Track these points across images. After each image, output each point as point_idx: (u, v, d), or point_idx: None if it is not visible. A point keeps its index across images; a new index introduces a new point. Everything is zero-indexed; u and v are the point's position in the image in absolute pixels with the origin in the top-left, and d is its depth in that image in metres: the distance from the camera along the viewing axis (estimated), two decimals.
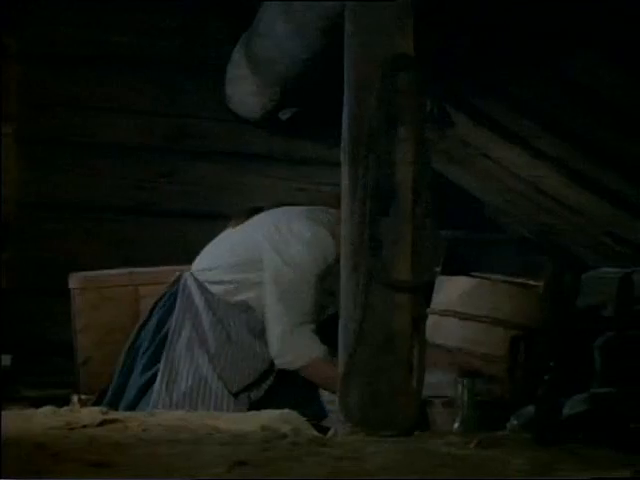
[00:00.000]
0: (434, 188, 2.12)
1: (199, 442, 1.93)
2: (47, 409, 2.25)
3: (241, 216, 2.96)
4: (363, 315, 2.10)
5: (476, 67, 3.01)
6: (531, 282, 2.94)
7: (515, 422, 2.15)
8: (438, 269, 3.01)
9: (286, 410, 2.30)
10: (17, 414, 2.21)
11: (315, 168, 3.92)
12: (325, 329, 2.72)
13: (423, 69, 2.17)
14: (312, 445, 1.91)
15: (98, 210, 3.80)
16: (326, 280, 2.74)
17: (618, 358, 2.23)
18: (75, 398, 3.00)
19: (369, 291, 2.10)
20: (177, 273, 2.94)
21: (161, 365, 2.77)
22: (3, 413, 2.04)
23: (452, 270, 3.02)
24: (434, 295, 2.99)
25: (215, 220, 3.79)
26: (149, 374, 2.80)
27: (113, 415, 2.18)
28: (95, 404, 2.83)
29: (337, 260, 2.35)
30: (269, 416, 2.23)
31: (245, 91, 3.68)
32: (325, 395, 2.76)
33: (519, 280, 2.96)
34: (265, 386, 2.78)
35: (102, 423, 2.08)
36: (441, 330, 2.99)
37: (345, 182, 2.18)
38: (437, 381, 2.42)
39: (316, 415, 2.58)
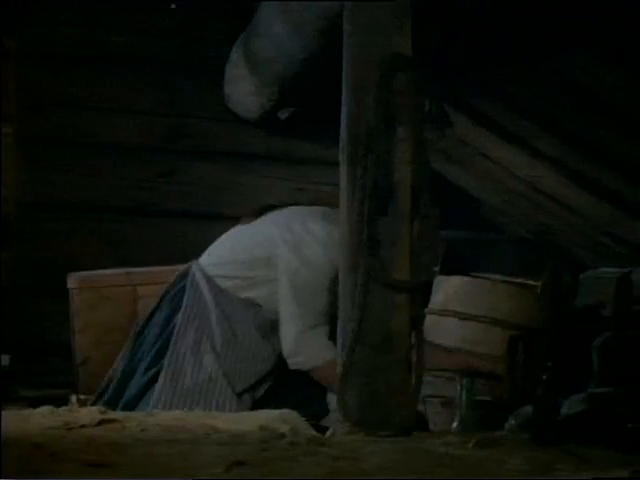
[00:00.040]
0: (433, 188, 2.12)
1: (197, 442, 1.93)
2: (45, 409, 2.25)
3: (253, 213, 2.95)
4: (361, 315, 2.10)
5: (475, 67, 3.01)
6: (530, 282, 2.94)
7: (513, 422, 2.15)
8: (437, 269, 3.01)
9: (284, 410, 2.30)
10: (15, 414, 2.21)
11: (313, 168, 3.92)
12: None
13: (421, 69, 2.17)
14: (310, 445, 1.91)
15: (97, 210, 3.80)
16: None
17: (616, 358, 2.23)
18: (73, 398, 3.00)
19: (367, 291, 2.10)
20: (185, 265, 2.92)
21: (166, 361, 2.76)
22: (2, 413, 2.04)
23: (451, 270, 3.02)
24: (433, 295, 2.99)
25: (214, 220, 3.79)
26: (151, 373, 2.79)
27: (111, 415, 2.18)
28: (95, 402, 2.83)
29: None
30: (267, 416, 2.23)
31: (243, 91, 3.68)
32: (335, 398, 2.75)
33: (518, 280, 2.96)
34: (265, 386, 2.78)
35: (100, 423, 2.08)
36: (440, 330, 2.99)
37: (343, 182, 2.18)
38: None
39: (314, 415, 2.58)
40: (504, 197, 3.71)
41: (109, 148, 3.81)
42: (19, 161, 3.71)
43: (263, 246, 2.81)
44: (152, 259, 3.48)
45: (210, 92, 3.84)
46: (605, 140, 3.14)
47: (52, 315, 3.52)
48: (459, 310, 2.96)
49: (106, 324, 3.21)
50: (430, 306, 2.98)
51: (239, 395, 2.73)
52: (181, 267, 2.99)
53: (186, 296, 2.81)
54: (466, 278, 2.98)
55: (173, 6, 3.73)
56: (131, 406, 2.76)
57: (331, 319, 2.74)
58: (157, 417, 2.22)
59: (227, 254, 2.88)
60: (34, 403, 2.60)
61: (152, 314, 2.90)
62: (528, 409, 2.11)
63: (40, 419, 2.13)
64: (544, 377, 2.02)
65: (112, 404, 2.77)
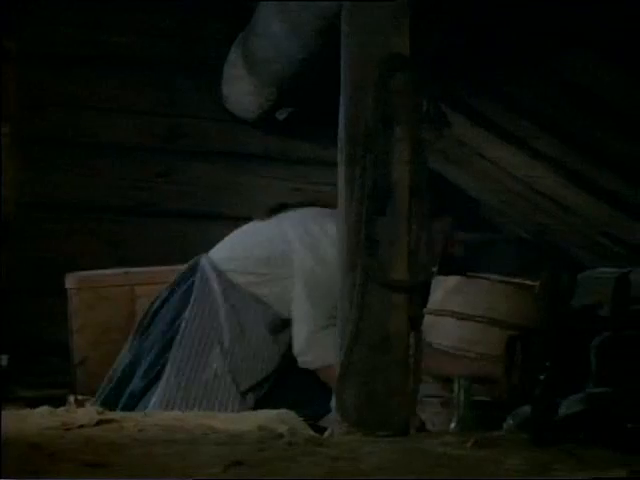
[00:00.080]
0: (431, 188, 2.12)
1: (195, 442, 1.93)
2: (43, 409, 2.25)
3: (267, 211, 2.95)
4: (359, 315, 2.10)
5: (473, 67, 3.02)
6: (527, 282, 2.94)
7: (511, 422, 2.15)
8: (435, 269, 3.01)
9: (282, 410, 2.30)
10: (13, 414, 2.21)
11: (312, 168, 3.93)
12: None
13: (419, 69, 2.17)
14: (308, 445, 1.91)
15: (95, 210, 3.80)
16: None
17: (614, 358, 2.23)
18: (71, 398, 3.00)
19: (365, 291, 2.10)
20: (192, 260, 2.91)
21: (171, 355, 2.74)
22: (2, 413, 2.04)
23: (449, 270, 3.02)
24: (431, 295, 2.99)
25: (212, 220, 3.80)
26: (155, 370, 2.78)
27: (109, 415, 2.18)
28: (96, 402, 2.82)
29: None
30: (265, 416, 2.23)
31: (242, 91, 3.68)
32: None
33: (515, 280, 2.96)
34: (267, 385, 2.78)
35: (98, 423, 2.08)
36: (438, 330, 2.99)
37: (342, 182, 2.18)
38: None
39: (313, 415, 2.58)
40: (502, 197, 3.71)
41: (108, 148, 3.81)
42: (18, 161, 3.71)
43: (278, 244, 2.80)
44: (151, 259, 3.48)
45: (209, 92, 3.85)
46: (604, 140, 3.14)
47: (50, 315, 3.52)
48: (457, 310, 2.96)
49: (104, 324, 3.21)
50: (428, 306, 2.98)
51: (243, 394, 2.72)
52: (180, 267, 2.98)
53: (195, 290, 2.80)
54: (464, 278, 2.98)
55: None
56: (132, 404, 2.75)
57: None
58: (155, 417, 2.22)
59: (240, 250, 2.87)
60: (32, 403, 2.59)
61: (157, 311, 2.88)
62: (526, 409, 2.11)
63: (38, 419, 2.13)
64: (542, 377, 2.02)
65: (112, 403, 2.76)
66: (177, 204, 3.86)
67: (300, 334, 2.72)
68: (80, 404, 2.88)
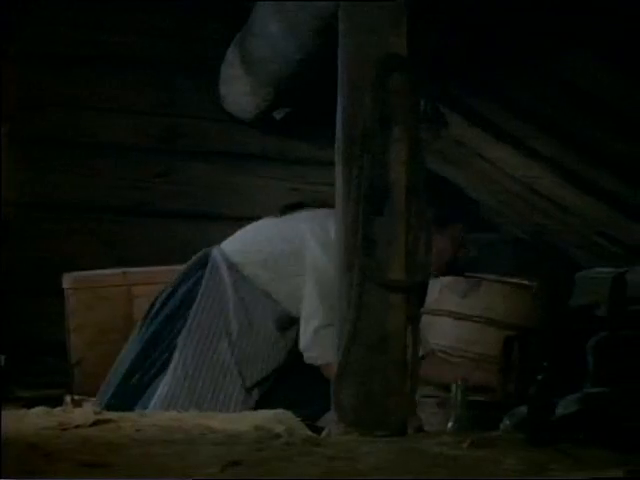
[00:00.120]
0: (429, 188, 2.13)
1: (193, 442, 1.93)
2: (40, 409, 2.24)
3: (282, 208, 2.94)
4: (357, 315, 2.10)
5: (470, 67, 3.02)
6: (525, 282, 2.95)
7: (508, 422, 2.15)
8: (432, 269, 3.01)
9: (280, 410, 2.29)
10: (10, 414, 2.20)
11: (309, 168, 3.93)
12: None
13: (417, 69, 2.17)
14: (306, 445, 1.91)
15: (94, 210, 3.80)
16: None
17: (611, 358, 2.23)
18: (68, 398, 3.00)
19: (363, 291, 2.10)
20: (204, 250, 2.91)
21: (179, 345, 2.74)
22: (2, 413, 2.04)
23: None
24: (428, 295, 2.99)
25: (210, 220, 3.80)
26: (160, 362, 2.77)
27: (106, 415, 2.18)
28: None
29: None
30: (263, 416, 2.23)
31: (239, 91, 3.68)
32: None
33: (513, 280, 2.97)
34: (270, 382, 2.78)
35: (95, 423, 2.07)
36: (435, 330, 2.99)
37: (339, 182, 2.18)
38: None
39: (311, 416, 2.58)
40: (500, 197, 3.72)
41: (107, 148, 3.81)
42: (17, 161, 3.70)
43: (292, 241, 2.79)
44: (150, 259, 3.48)
45: (207, 92, 3.85)
46: (601, 141, 3.15)
47: (48, 315, 3.52)
48: (454, 310, 2.97)
49: (101, 324, 3.21)
50: (425, 306, 2.98)
51: (249, 390, 2.72)
52: (178, 267, 2.98)
53: (205, 281, 2.79)
54: (461, 278, 2.99)
55: None
56: (140, 394, 2.74)
57: None
58: (152, 417, 2.22)
59: (252, 244, 2.86)
60: (29, 403, 2.59)
61: (165, 301, 2.86)
62: (523, 409, 2.11)
63: (35, 419, 2.13)
64: (539, 377, 2.02)
65: (123, 395, 2.74)
66: (175, 204, 3.86)
67: (307, 330, 2.72)
68: (77, 404, 2.88)
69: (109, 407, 2.66)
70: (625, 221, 3.37)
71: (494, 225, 3.97)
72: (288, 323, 2.77)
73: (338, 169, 2.18)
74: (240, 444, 1.92)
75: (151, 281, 3.16)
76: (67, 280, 3.28)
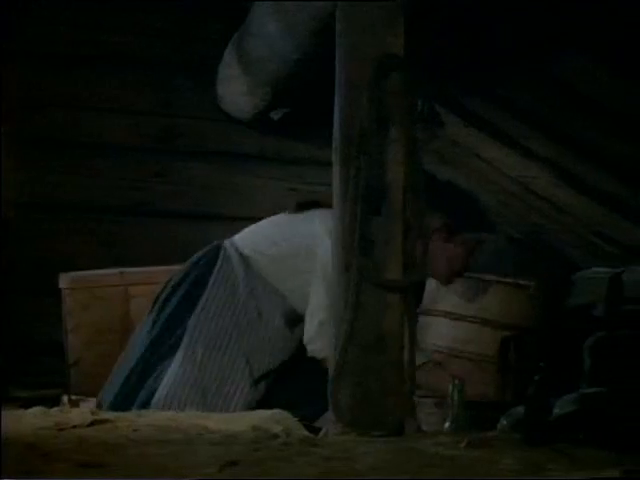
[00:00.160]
0: (427, 188, 2.12)
1: (190, 442, 1.93)
2: (37, 409, 2.25)
3: (297, 205, 2.94)
4: (354, 315, 2.10)
5: (467, 67, 3.02)
6: (521, 282, 2.95)
7: (505, 422, 2.16)
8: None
9: (277, 410, 2.30)
10: (8, 414, 2.20)
11: (306, 168, 3.93)
12: None
13: (413, 69, 2.17)
14: (303, 445, 1.91)
15: (93, 210, 3.80)
16: None
17: (608, 358, 2.24)
18: (65, 398, 3.00)
19: (360, 291, 2.10)
20: (214, 242, 2.92)
21: (187, 333, 2.73)
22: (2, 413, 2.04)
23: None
24: (425, 295, 2.99)
25: (208, 220, 3.80)
26: (167, 349, 2.76)
27: (103, 415, 2.18)
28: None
29: None
30: (260, 416, 2.23)
31: (236, 91, 3.68)
32: None
33: (509, 280, 2.97)
34: (272, 377, 2.78)
35: (92, 423, 2.07)
36: (431, 330, 2.99)
37: (336, 182, 2.18)
38: None
39: (310, 416, 2.58)
40: (496, 197, 3.71)
41: (105, 148, 3.81)
42: (17, 161, 3.70)
43: (305, 238, 2.79)
44: (148, 259, 3.48)
45: (206, 92, 3.85)
46: (598, 141, 3.15)
47: (45, 315, 3.51)
48: (450, 310, 2.97)
49: (98, 324, 3.20)
50: (422, 306, 2.99)
51: (255, 381, 2.73)
52: (176, 267, 2.98)
53: (215, 271, 2.79)
54: (458, 278, 2.99)
55: None
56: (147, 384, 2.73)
57: None
58: (149, 417, 2.22)
59: (265, 239, 2.86)
60: (27, 403, 2.59)
61: (173, 291, 2.85)
62: (520, 409, 2.11)
63: (32, 419, 2.13)
64: (536, 377, 2.02)
65: (132, 388, 2.73)
66: (174, 204, 3.86)
67: (312, 323, 2.72)
68: (74, 404, 2.88)
69: (114, 404, 2.67)
70: (621, 221, 3.37)
71: (491, 225, 3.96)
72: (295, 320, 2.78)
73: (335, 169, 2.18)
74: (237, 444, 1.93)
75: (148, 281, 3.16)
76: (64, 280, 3.28)
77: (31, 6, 3.70)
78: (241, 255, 2.82)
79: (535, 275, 2.97)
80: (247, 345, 2.73)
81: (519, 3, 2.63)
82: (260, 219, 3.01)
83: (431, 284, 3.02)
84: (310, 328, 2.73)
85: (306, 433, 2.19)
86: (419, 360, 2.87)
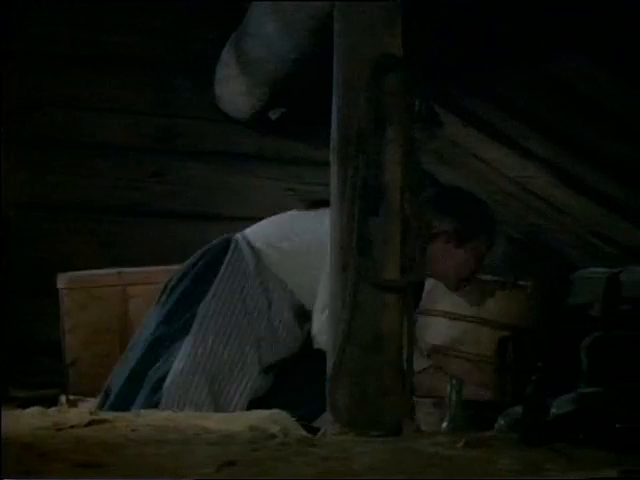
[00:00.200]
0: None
1: (188, 442, 1.93)
2: (35, 409, 2.24)
3: (310, 203, 2.94)
4: (352, 315, 2.10)
5: (466, 67, 3.02)
6: (519, 282, 2.95)
7: (502, 422, 2.16)
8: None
9: (275, 410, 2.30)
10: (5, 414, 2.20)
11: (305, 168, 3.93)
12: None
13: (412, 69, 2.18)
14: (301, 445, 1.91)
15: (92, 210, 3.79)
16: None
17: (605, 358, 2.24)
18: (63, 398, 3.00)
19: (358, 291, 2.10)
20: (224, 235, 2.92)
21: (196, 322, 2.74)
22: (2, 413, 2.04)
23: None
24: (423, 295, 2.99)
25: (206, 220, 3.80)
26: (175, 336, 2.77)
27: (101, 415, 2.18)
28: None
29: None
30: (258, 416, 2.23)
31: (234, 91, 3.68)
32: None
33: (507, 280, 2.97)
34: (274, 372, 2.78)
35: (90, 423, 2.07)
36: (430, 330, 3.00)
37: (334, 182, 2.18)
38: None
39: (309, 416, 2.58)
40: (495, 198, 3.72)
41: (104, 148, 3.81)
42: (16, 161, 3.70)
43: (318, 235, 2.80)
44: (146, 259, 3.48)
45: (203, 92, 3.85)
46: (596, 141, 3.15)
47: (44, 315, 3.51)
48: (449, 310, 2.97)
49: (96, 324, 3.21)
50: (420, 306, 2.99)
51: (265, 370, 2.73)
52: (175, 267, 2.98)
53: (227, 260, 2.80)
54: (466, 283, 2.98)
55: None
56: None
57: None
58: (147, 417, 2.22)
59: (277, 234, 2.87)
60: (24, 403, 2.59)
61: (180, 281, 2.85)
62: (517, 409, 2.12)
63: (30, 419, 2.13)
64: (533, 377, 2.02)
65: (137, 381, 2.74)
66: (172, 204, 3.86)
67: (320, 314, 2.73)
68: (72, 404, 2.88)
69: (125, 388, 2.67)
70: (619, 221, 3.37)
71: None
72: (302, 315, 2.79)
73: (333, 169, 2.18)
74: (235, 444, 1.93)
75: (146, 281, 3.16)
76: (62, 280, 3.28)
77: (31, 6, 3.70)
78: (252, 248, 2.82)
79: (533, 275, 2.97)
80: (257, 333, 2.74)
81: (518, 3, 2.63)
82: (259, 219, 3.01)
83: (429, 284, 3.02)
84: (318, 320, 2.73)
85: (304, 433, 2.19)
86: (421, 365, 2.88)
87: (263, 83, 3.46)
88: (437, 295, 3.01)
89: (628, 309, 2.50)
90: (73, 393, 3.06)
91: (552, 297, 2.93)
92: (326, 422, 2.22)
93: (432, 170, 3.76)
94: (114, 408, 2.64)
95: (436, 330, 2.98)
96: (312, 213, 2.87)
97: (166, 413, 2.35)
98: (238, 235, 2.88)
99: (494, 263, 3.23)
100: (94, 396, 2.89)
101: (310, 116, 3.33)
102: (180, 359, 2.71)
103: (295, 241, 2.82)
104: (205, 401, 2.67)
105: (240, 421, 2.18)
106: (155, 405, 2.65)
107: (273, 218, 2.97)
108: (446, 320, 2.97)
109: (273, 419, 2.20)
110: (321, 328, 2.72)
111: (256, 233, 2.89)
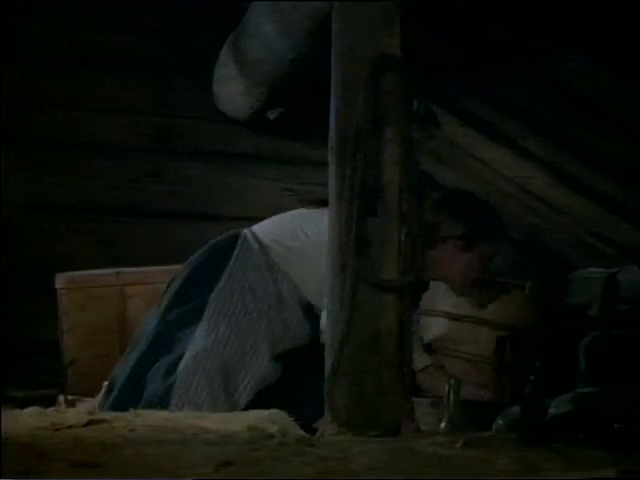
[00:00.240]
0: (422, 188, 2.13)
1: (186, 442, 1.93)
2: (33, 409, 2.25)
3: (318, 201, 2.95)
4: (350, 315, 2.10)
5: (464, 67, 3.02)
6: (518, 282, 2.95)
7: (501, 422, 2.16)
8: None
9: (273, 410, 2.30)
10: (4, 414, 2.20)
11: (303, 168, 3.93)
12: None
13: (410, 69, 2.18)
14: (299, 445, 1.91)
15: (92, 210, 3.79)
16: None
17: (603, 358, 2.24)
18: (62, 398, 3.00)
19: (356, 291, 2.10)
20: (231, 231, 2.92)
21: (206, 313, 2.74)
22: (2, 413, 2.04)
23: None
24: (423, 295, 3.00)
25: (205, 220, 3.80)
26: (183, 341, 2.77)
27: (99, 415, 2.18)
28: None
29: None
30: (256, 416, 2.23)
31: (233, 91, 3.68)
32: None
33: (506, 280, 2.97)
34: (279, 367, 2.78)
35: (88, 423, 2.07)
36: (429, 330, 3.00)
37: (332, 182, 2.18)
38: None
39: (309, 416, 2.58)
40: (493, 198, 3.72)
41: (104, 148, 3.81)
42: (16, 161, 3.70)
43: (323, 233, 2.80)
44: (145, 259, 3.48)
45: (202, 92, 3.85)
46: (594, 141, 3.15)
47: (43, 315, 3.51)
48: (448, 310, 2.97)
49: (95, 324, 3.21)
50: (420, 306, 2.99)
51: (275, 358, 2.74)
52: (174, 267, 2.98)
53: (236, 252, 2.80)
54: (472, 287, 2.98)
55: None
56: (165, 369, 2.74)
57: None
58: (146, 417, 2.22)
59: (285, 231, 2.87)
60: (23, 403, 2.59)
61: (188, 278, 2.85)
62: (515, 409, 2.12)
63: (28, 419, 2.13)
64: (532, 377, 2.02)
65: (140, 377, 2.74)
66: (171, 204, 3.86)
67: None
68: (70, 404, 2.88)
69: (133, 372, 2.67)
70: (619, 222, 3.37)
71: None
72: (310, 312, 2.79)
73: (331, 169, 2.18)
74: (233, 444, 1.93)
75: (145, 281, 3.16)
76: (60, 280, 3.27)
77: (31, 6, 3.70)
78: (260, 244, 2.83)
79: (531, 275, 2.97)
80: (268, 322, 2.76)
81: (518, 3, 2.63)
82: (258, 219, 3.02)
83: (429, 284, 3.02)
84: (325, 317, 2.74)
85: (302, 433, 2.19)
86: (422, 363, 2.88)
87: (261, 83, 3.47)
88: (437, 295, 3.01)
89: (626, 309, 2.50)
90: (71, 393, 3.06)
91: (550, 297, 2.93)
92: (325, 422, 2.22)
93: (430, 170, 3.76)
94: (117, 402, 2.65)
95: (436, 330, 2.98)
96: (319, 212, 2.87)
97: (164, 413, 2.35)
98: (246, 231, 2.88)
99: (494, 263, 3.23)
100: (92, 396, 2.89)
101: (308, 116, 3.33)
102: (194, 345, 2.71)
103: (302, 239, 2.83)
104: (218, 388, 2.68)
105: (238, 421, 2.18)
106: (168, 389, 2.66)
107: (281, 215, 2.98)
108: (446, 320, 2.97)
109: (271, 419, 2.20)
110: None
111: (264, 230, 2.90)
